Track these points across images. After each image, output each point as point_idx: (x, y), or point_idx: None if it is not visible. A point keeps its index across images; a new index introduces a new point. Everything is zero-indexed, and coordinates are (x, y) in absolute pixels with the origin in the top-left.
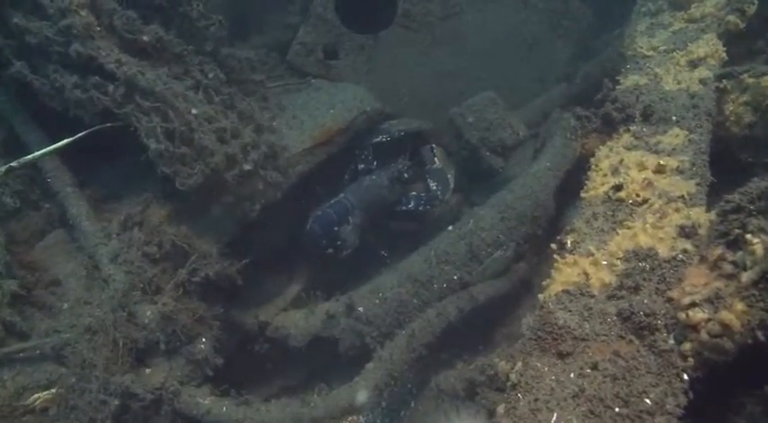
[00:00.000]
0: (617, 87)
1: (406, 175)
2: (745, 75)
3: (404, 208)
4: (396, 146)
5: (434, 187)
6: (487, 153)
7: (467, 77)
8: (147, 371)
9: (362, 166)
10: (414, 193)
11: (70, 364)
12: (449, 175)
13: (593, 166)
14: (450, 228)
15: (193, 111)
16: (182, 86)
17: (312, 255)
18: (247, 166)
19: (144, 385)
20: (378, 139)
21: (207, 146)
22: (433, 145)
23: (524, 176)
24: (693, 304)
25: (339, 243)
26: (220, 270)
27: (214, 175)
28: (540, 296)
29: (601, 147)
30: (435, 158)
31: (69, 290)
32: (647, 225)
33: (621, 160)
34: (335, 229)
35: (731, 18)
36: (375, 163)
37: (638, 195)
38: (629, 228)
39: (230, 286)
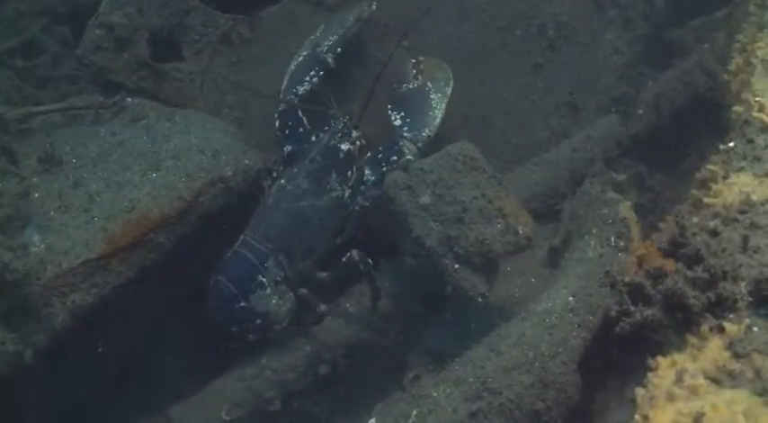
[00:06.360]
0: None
1: (344, 148)
2: None
3: (366, 189)
4: None
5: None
6: (456, 266)
7: None
8: None
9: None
10: (369, 154)
11: None
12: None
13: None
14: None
15: None
16: None
17: (227, 351)
18: None
19: None
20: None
21: None
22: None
23: (525, 319)
24: None
25: (259, 321)
26: None
27: None
28: None
29: (660, 360)
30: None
31: None
32: None
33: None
34: (240, 304)
35: None
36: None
37: None
38: None
39: None
